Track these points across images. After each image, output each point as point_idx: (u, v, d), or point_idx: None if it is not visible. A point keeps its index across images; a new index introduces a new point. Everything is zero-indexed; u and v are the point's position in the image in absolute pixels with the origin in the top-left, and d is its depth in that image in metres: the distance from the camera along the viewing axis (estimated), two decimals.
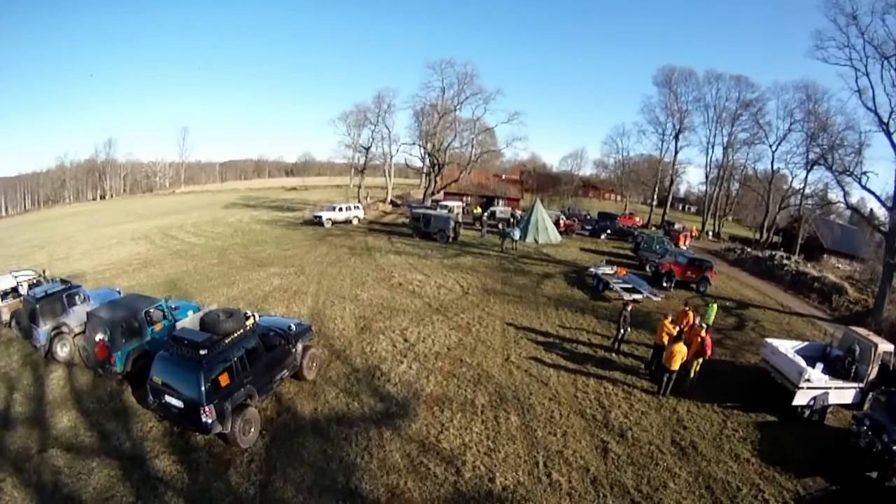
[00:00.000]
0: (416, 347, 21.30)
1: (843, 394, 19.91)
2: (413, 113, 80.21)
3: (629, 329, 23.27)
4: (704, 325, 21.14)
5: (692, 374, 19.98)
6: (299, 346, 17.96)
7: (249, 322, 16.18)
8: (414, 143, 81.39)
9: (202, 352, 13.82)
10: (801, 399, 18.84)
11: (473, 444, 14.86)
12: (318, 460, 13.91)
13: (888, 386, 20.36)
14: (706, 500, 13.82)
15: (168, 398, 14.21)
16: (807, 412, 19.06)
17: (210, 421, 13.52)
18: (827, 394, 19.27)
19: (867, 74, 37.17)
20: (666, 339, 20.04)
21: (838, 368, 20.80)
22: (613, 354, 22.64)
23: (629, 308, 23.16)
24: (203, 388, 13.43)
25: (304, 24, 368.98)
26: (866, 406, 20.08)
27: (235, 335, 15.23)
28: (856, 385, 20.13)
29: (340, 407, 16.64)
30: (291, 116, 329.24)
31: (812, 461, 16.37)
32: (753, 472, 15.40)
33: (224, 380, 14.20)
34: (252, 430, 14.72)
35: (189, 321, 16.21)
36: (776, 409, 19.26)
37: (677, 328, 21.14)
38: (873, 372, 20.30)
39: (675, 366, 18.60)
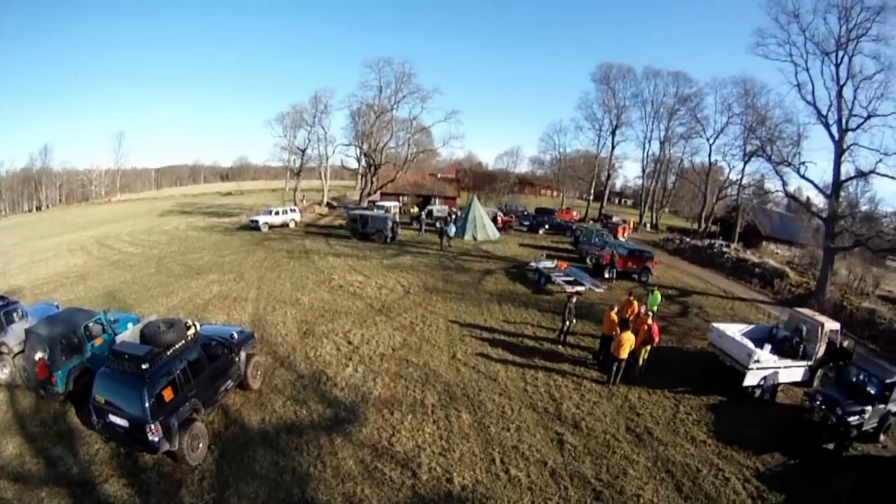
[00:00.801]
0: (361, 350, 21.11)
1: (792, 372, 21.01)
2: (350, 113, 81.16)
3: (574, 321, 23.61)
4: (650, 313, 21.96)
5: (641, 362, 20.59)
6: (242, 355, 17.38)
7: (191, 332, 15.51)
8: (350, 144, 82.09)
9: (144, 366, 13.12)
10: (751, 379, 19.67)
11: (427, 446, 14.77)
12: (271, 473, 13.56)
13: (836, 362, 21.78)
14: (667, 483, 14.16)
15: (112, 417, 13.43)
16: (758, 392, 19.98)
17: (157, 439, 12.86)
18: (777, 373, 20.26)
19: (807, 70, 40.01)
20: (612, 330, 20.60)
21: (786, 348, 21.88)
22: (560, 346, 23.08)
23: (574, 300, 23.62)
24: (147, 405, 12.76)
25: (238, 26, 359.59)
26: (816, 383, 21.38)
27: (177, 346, 14.58)
28: (804, 363, 21.29)
29: (288, 415, 16.22)
30: (226, 119, 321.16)
31: (768, 438, 17.09)
32: (711, 453, 15.90)
33: (168, 394, 13.56)
34: (200, 445, 14.11)
35: (129, 334, 15.38)
36: (727, 391, 20.01)
37: (623, 317, 21.76)
38: (821, 350, 21.57)
39: (624, 354, 19.08)
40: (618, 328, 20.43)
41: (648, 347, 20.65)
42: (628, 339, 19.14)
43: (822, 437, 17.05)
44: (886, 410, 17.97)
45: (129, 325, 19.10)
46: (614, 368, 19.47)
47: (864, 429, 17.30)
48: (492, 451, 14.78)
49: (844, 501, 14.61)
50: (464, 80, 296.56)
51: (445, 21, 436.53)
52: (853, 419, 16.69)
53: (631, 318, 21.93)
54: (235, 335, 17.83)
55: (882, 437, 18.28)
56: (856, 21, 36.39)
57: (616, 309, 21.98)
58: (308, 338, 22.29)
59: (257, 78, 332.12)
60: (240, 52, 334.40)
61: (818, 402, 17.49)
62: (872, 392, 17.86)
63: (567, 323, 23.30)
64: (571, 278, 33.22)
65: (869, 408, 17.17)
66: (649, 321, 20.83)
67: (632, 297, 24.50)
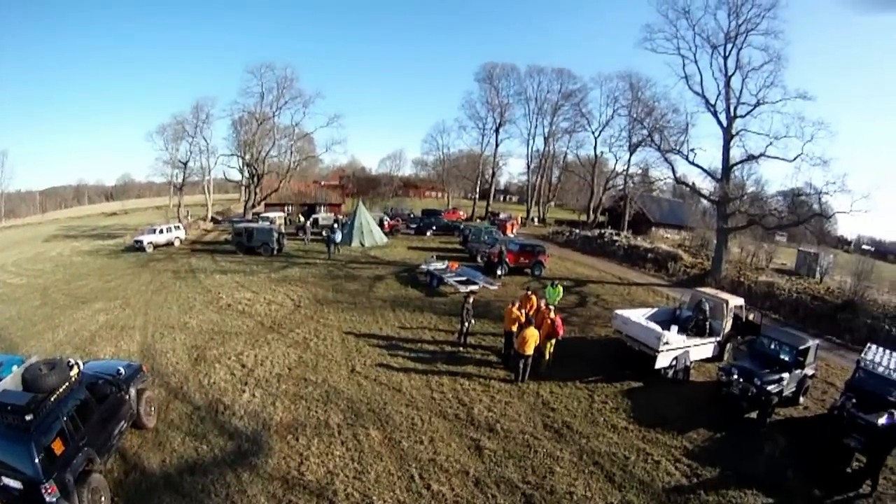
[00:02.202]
0: (256, 372, 20.19)
1: (702, 350, 22.13)
2: (232, 122, 79.82)
3: (473, 321, 23.62)
4: (552, 307, 22.30)
5: (547, 356, 20.93)
6: (132, 391, 15.75)
7: (74, 372, 13.95)
8: (232, 155, 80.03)
9: (28, 417, 11.57)
10: (662, 362, 20.33)
11: (339, 470, 13.99)
12: None
13: (744, 336, 23.28)
14: (598, 476, 14.22)
15: (5, 479, 11.86)
16: (670, 373, 20.75)
17: (55, 500, 11.40)
18: (687, 352, 21.11)
19: (696, 62, 44.11)
20: (515, 326, 20.93)
21: (692, 327, 22.82)
22: (461, 348, 23.09)
23: (471, 300, 23.66)
24: (38, 462, 11.24)
25: (112, 33, 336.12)
26: (727, 357, 22.72)
27: (61, 390, 13.04)
28: (713, 340, 22.52)
29: (189, 454, 14.86)
30: (107, 134, 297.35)
31: (689, 416, 17.74)
32: (636, 439, 16.16)
33: (58, 447, 11.90)
34: (102, 499, 12.62)
35: (10, 380, 13.68)
36: (639, 376, 20.68)
37: (524, 313, 21.95)
38: (728, 325, 22.94)
39: (530, 350, 19.22)
40: (520, 324, 20.66)
41: (553, 341, 20.92)
42: (532, 335, 19.30)
43: (744, 408, 18.01)
44: (803, 375, 19.34)
45: (14, 367, 17.18)
46: (521, 366, 19.56)
47: (784, 395, 18.33)
48: (408, 467, 14.20)
49: (778, 464, 15.31)
50: (345, 83, 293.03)
51: (325, 23, 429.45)
52: (773, 387, 17.57)
53: (532, 313, 22.32)
54: (122, 370, 16.18)
55: (802, 399, 19.71)
56: (746, 17, 40.33)
57: (517, 304, 22.13)
58: (200, 364, 20.91)
59: (136, 87, 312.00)
60: (115, 58, 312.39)
61: (735, 376, 18.29)
62: (787, 360, 19.05)
63: (466, 324, 23.24)
64: (464, 278, 33.52)
65: (786, 375, 18.20)
66: (551, 315, 21.06)
67: (529, 292, 25.00)
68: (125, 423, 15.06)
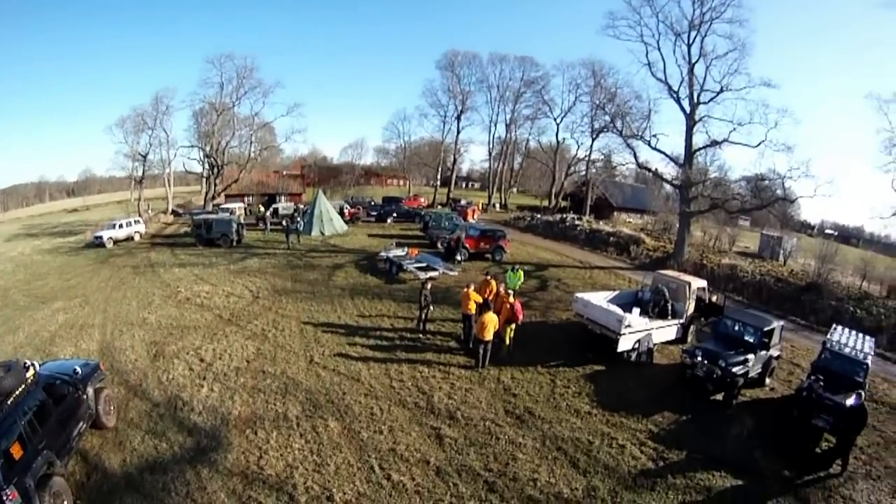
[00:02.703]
0: (214, 366, 19.75)
1: (665, 332, 22.22)
2: (192, 113, 78.27)
3: (432, 307, 23.75)
4: (511, 291, 22.17)
5: (507, 342, 21.00)
6: (90, 390, 15.23)
7: (30, 374, 13.31)
8: (192, 146, 78.73)
9: None
10: (625, 344, 20.37)
11: (299, 463, 13.84)
12: None
13: (707, 318, 23.34)
14: (561, 461, 14.13)
15: None
16: (633, 355, 20.83)
17: None
18: (650, 335, 21.19)
19: (659, 49, 44.76)
20: (473, 308, 20.91)
21: (653, 310, 22.99)
22: (421, 335, 23.00)
23: (429, 286, 23.63)
24: None
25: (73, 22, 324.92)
26: (690, 339, 22.82)
27: (17, 393, 12.41)
28: (676, 322, 22.61)
29: (149, 452, 14.41)
30: (67, 128, 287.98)
31: (653, 399, 17.82)
32: (599, 423, 16.12)
33: (17, 451, 11.39)
34: (64, 503, 12.13)
35: None
36: (602, 359, 20.72)
37: (482, 296, 21.80)
38: (690, 307, 23.06)
39: (489, 336, 19.12)
40: (479, 309, 20.46)
41: (513, 326, 20.96)
42: (491, 321, 19.14)
43: (710, 390, 18.16)
44: (768, 356, 19.53)
45: None
46: (481, 351, 19.47)
47: (749, 376, 18.41)
48: (368, 458, 14.07)
49: (746, 446, 15.47)
50: (305, 72, 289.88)
51: (282, 8, 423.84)
52: (738, 369, 17.68)
53: (491, 298, 22.05)
54: (79, 369, 15.63)
55: (768, 380, 19.88)
56: (710, 5, 40.96)
57: (473, 287, 22.02)
58: (159, 360, 20.41)
59: (97, 79, 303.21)
60: (74, 48, 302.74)
61: (699, 358, 18.40)
62: (751, 341, 19.20)
63: (424, 310, 23.24)
64: (424, 264, 33.47)
65: (751, 356, 18.32)
66: (510, 299, 20.99)
67: (489, 277, 24.88)
68: (84, 423, 14.72)
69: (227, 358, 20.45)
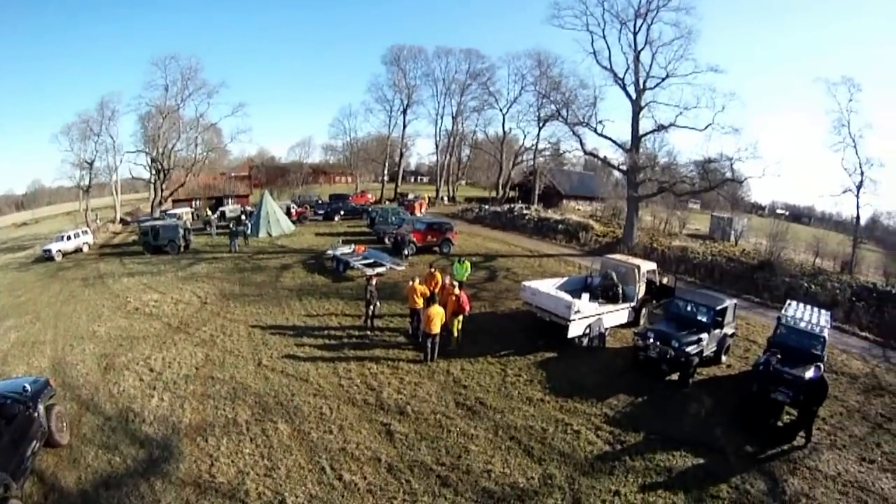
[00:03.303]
0: (164, 375, 19.47)
1: (616, 316, 22.42)
2: (138, 117, 76.79)
3: (378, 303, 23.55)
4: (456, 283, 22.04)
5: (456, 333, 20.87)
6: (41, 408, 14.94)
7: None
8: (137, 151, 77.11)
9: None
10: (575, 330, 20.41)
11: (250, 469, 13.71)
12: None
13: (659, 300, 23.71)
14: (515, 451, 14.03)
15: None
16: (585, 341, 20.93)
17: None
18: (600, 319, 21.32)
19: (604, 38, 45.52)
20: (419, 302, 20.96)
21: (604, 295, 23.26)
22: (369, 332, 22.87)
23: (374, 282, 23.58)
24: None
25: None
26: (643, 321, 23.11)
27: None
28: (627, 305, 22.84)
29: (103, 467, 14.18)
30: (14, 139, 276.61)
31: (607, 383, 17.91)
32: (553, 410, 16.06)
33: None
34: None
35: None
36: (553, 346, 20.76)
37: (428, 289, 21.80)
38: (641, 290, 23.29)
39: (436, 329, 19.16)
40: (425, 302, 20.41)
41: (461, 317, 20.87)
42: (437, 313, 19.17)
43: (665, 371, 18.30)
44: (723, 334, 19.83)
45: None
46: (429, 345, 19.49)
47: (705, 355, 18.63)
48: (319, 458, 13.96)
49: (705, 424, 15.64)
50: (250, 71, 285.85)
51: (226, 8, 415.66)
52: (692, 349, 17.79)
53: (437, 290, 22.24)
54: (28, 387, 15.15)
55: (724, 357, 20.22)
56: None
57: (418, 280, 21.90)
58: (109, 373, 20.14)
59: (43, 87, 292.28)
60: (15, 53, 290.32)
61: (651, 340, 18.50)
62: (704, 320, 19.38)
63: (371, 307, 23.06)
64: (371, 260, 33.32)
65: (705, 335, 18.46)
66: (456, 291, 20.89)
67: (433, 269, 24.77)
68: (38, 442, 14.43)
69: (177, 366, 20.25)
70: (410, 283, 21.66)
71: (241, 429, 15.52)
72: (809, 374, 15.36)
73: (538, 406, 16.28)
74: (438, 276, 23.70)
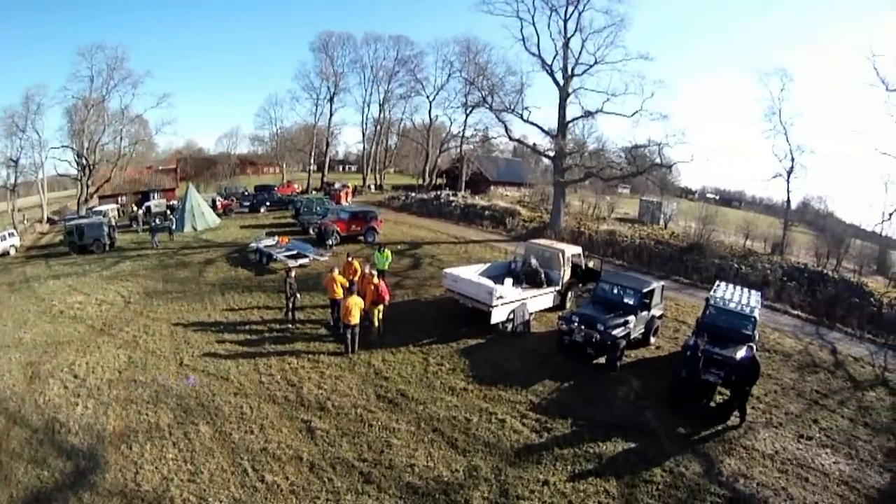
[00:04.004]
0: (88, 381, 18.95)
1: (541, 300, 22.50)
2: (65, 111, 72.96)
3: (299, 295, 23.47)
4: (374, 273, 21.88)
5: (377, 323, 20.84)
6: None
7: None
8: (62, 147, 73.65)
9: None
10: (498, 316, 20.28)
11: (174, 474, 13.47)
12: None
13: (585, 283, 24.02)
14: (439, 443, 13.85)
15: None
16: (509, 326, 20.84)
17: None
18: (524, 304, 21.22)
19: (534, 24, 45.37)
20: (339, 292, 20.77)
21: (529, 279, 23.25)
22: (290, 325, 22.80)
23: (293, 274, 23.59)
24: None
25: None
26: (569, 305, 23.20)
27: None
28: (552, 290, 22.89)
29: (33, 483, 13.79)
30: None
31: (533, 369, 17.85)
32: (476, 399, 15.91)
33: None
34: None
35: None
36: (477, 333, 20.69)
37: (347, 279, 21.61)
38: (566, 274, 23.40)
39: (355, 320, 18.98)
40: (344, 294, 20.16)
41: (381, 307, 20.84)
42: (356, 304, 19.01)
43: (592, 355, 18.30)
44: (651, 316, 20.02)
45: None
46: (349, 336, 19.29)
47: (632, 337, 18.74)
48: (241, 460, 13.79)
49: (635, 407, 15.67)
50: (175, 59, 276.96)
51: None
52: (618, 331, 17.78)
53: (356, 279, 22.02)
54: None
55: (653, 339, 20.44)
56: None
57: (337, 271, 21.66)
58: (35, 382, 19.48)
59: None
60: None
61: (576, 323, 18.44)
62: (631, 303, 19.44)
63: (291, 299, 22.99)
64: (294, 252, 33.18)
65: (631, 318, 18.53)
66: (375, 280, 20.67)
67: (351, 259, 24.65)
68: None
69: (100, 371, 19.67)
70: (329, 273, 21.40)
71: (164, 433, 15.24)
72: (740, 353, 15.50)
73: (461, 395, 16.13)
74: (357, 265, 23.53)
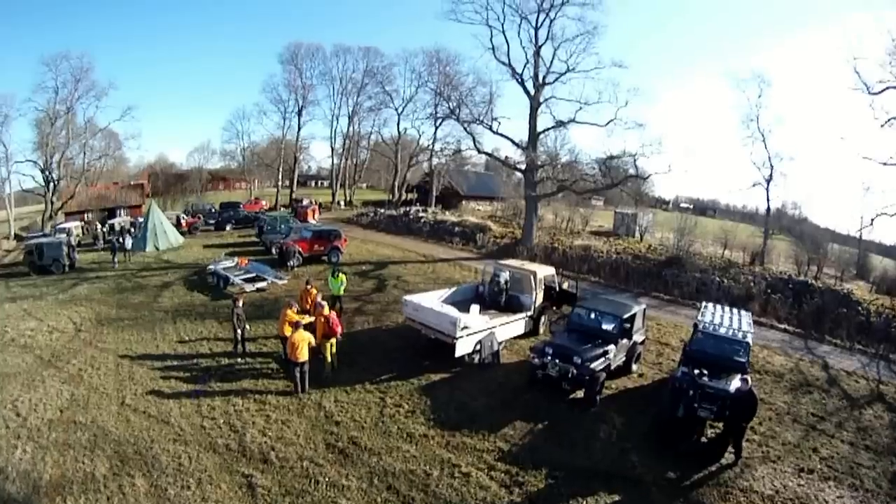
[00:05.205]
0: (29, 420, 17.61)
1: (511, 328, 21.11)
2: (35, 122, 72.68)
3: (248, 326, 22.10)
4: (325, 304, 20.30)
5: (329, 359, 19.42)
6: None
7: None
8: (25, 161, 72.94)
9: None
10: (464, 348, 18.87)
11: None
12: None
13: (560, 307, 22.72)
14: (393, 502, 12.39)
15: None
16: (476, 358, 19.36)
17: None
18: (493, 333, 19.82)
19: (503, 33, 44.78)
20: (288, 330, 18.97)
21: (497, 304, 22.12)
22: (239, 360, 21.20)
23: (240, 303, 21.86)
24: None
25: None
26: (542, 330, 22.03)
27: None
28: (524, 315, 21.53)
29: None
30: None
31: (502, 407, 16.55)
32: (438, 447, 14.47)
33: None
34: None
35: None
36: (441, 366, 19.33)
37: (304, 314, 20.43)
38: (538, 298, 22.02)
39: (304, 356, 17.63)
40: (292, 330, 18.77)
41: (333, 340, 19.40)
42: (302, 339, 17.63)
43: (567, 390, 16.88)
44: (632, 343, 18.58)
45: None
46: (297, 374, 17.88)
47: (613, 367, 17.42)
48: None
49: (618, 449, 14.43)
50: (145, 71, 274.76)
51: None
52: (597, 364, 16.42)
53: (310, 308, 21.15)
54: None
55: (635, 366, 19.19)
56: None
57: (295, 307, 20.36)
58: None
59: None
60: None
61: (550, 357, 16.96)
62: (611, 330, 18.06)
63: (239, 330, 21.44)
64: (252, 275, 31.80)
65: (611, 347, 17.19)
66: (325, 312, 19.26)
67: (309, 286, 23.64)
68: None
69: (42, 409, 18.31)
70: (285, 306, 20.06)
71: (99, 485, 13.92)
72: (735, 385, 14.31)
73: (421, 443, 14.66)
74: (314, 292, 22.35)
